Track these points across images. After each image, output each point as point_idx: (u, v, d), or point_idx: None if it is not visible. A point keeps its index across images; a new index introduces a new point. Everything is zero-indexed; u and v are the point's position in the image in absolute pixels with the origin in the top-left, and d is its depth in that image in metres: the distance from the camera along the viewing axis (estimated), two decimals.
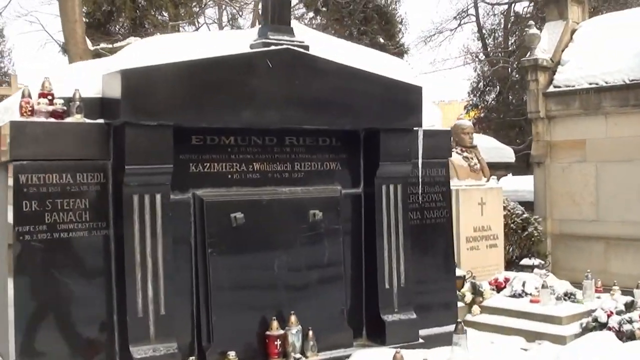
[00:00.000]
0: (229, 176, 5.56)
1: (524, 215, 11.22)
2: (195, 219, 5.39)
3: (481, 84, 29.80)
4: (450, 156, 6.85)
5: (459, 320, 5.56)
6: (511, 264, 10.73)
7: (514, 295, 8.84)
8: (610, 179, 11.25)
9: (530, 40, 12.02)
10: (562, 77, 11.77)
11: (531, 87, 11.99)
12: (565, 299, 8.54)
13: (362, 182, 6.10)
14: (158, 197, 5.03)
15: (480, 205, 9.65)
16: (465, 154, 9.78)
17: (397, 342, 5.91)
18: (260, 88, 5.32)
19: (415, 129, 6.09)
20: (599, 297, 8.64)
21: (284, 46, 5.52)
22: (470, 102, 31.14)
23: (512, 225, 11.01)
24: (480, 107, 30.04)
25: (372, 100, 5.78)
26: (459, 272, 9.03)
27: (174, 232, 5.19)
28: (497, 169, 13.63)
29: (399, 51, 28.28)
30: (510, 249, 11.01)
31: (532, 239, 11.21)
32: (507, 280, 9.12)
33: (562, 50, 12.15)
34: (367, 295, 6.07)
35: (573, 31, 12.37)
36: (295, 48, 5.56)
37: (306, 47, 5.67)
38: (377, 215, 5.96)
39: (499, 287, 9.13)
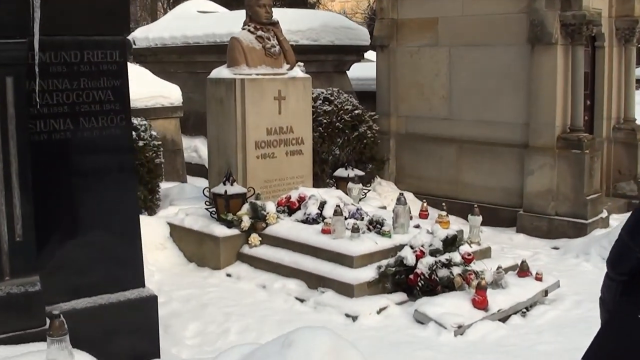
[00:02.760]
0: None
1: (356, 112, 8.90)
2: None
3: None
4: (128, 31, 4.38)
5: (56, 313, 3.23)
6: None
7: (307, 221, 6.64)
8: (465, 67, 8.97)
9: None
10: None
11: None
12: (369, 229, 6.36)
13: None
14: None
15: (277, 101, 7.25)
16: (260, 32, 7.25)
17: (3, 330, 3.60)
18: None
19: None
20: (418, 227, 6.47)
21: None
22: None
23: (338, 124, 8.70)
24: None
25: None
26: (237, 188, 6.75)
27: None
28: (348, 52, 11.20)
29: None
30: (335, 155, 8.73)
31: (365, 140, 8.94)
32: (302, 199, 6.87)
33: None
34: None
35: None
36: None
37: None
38: None
39: (291, 209, 6.89)
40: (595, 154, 8.23)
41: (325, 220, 6.36)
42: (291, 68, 7.41)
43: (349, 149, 8.80)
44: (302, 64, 7.61)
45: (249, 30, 7.27)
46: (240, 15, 11.67)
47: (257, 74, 7.15)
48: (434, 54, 9.19)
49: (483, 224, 8.63)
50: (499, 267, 5.93)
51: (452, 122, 9.13)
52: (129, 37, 12.61)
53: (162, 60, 11.82)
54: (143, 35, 12.05)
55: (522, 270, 6.12)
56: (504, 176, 8.68)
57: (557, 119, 8.15)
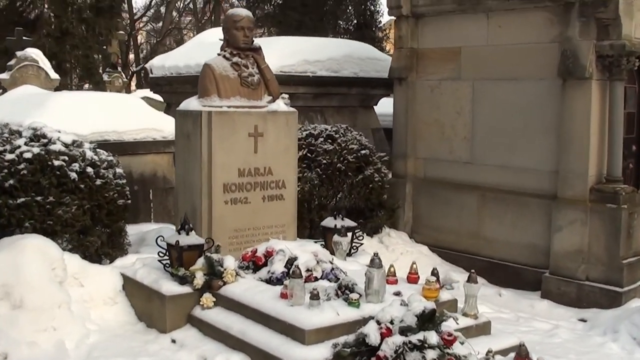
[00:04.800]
0: None
1: (362, 152, 7.86)
2: None
3: None
4: None
5: None
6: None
7: (270, 280, 5.63)
8: (490, 104, 7.85)
9: None
10: None
11: None
12: (338, 296, 5.28)
13: None
14: None
15: (252, 138, 6.27)
16: (236, 59, 6.31)
17: None
18: None
19: None
20: (398, 294, 5.35)
21: None
22: None
23: (340, 165, 7.68)
24: None
25: None
26: (193, 239, 5.81)
27: None
28: (375, 86, 10.18)
29: None
30: (338, 198, 7.70)
31: (371, 185, 7.88)
32: (269, 254, 5.86)
33: None
34: None
35: None
36: None
37: None
38: None
39: (257, 265, 5.89)
40: (635, 209, 6.95)
41: (285, 283, 5.32)
42: (273, 100, 6.45)
43: (354, 193, 7.76)
44: (286, 96, 6.68)
45: (224, 57, 6.36)
46: (267, 43, 10.91)
47: (229, 106, 6.21)
48: (456, 89, 8.10)
49: (505, 285, 7.56)
50: (489, 352, 4.76)
51: (475, 167, 8.00)
52: (146, 66, 11.95)
53: (177, 90, 11.06)
54: (160, 63, 11.35)
55: (520, 356, 4.90)
56: (530, 231, 7.49)
57: (590, 167, 6.94)
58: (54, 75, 12.27)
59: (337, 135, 7.83)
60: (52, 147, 6.28)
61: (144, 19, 37.24)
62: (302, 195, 7.44)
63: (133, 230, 7.74)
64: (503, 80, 7.63)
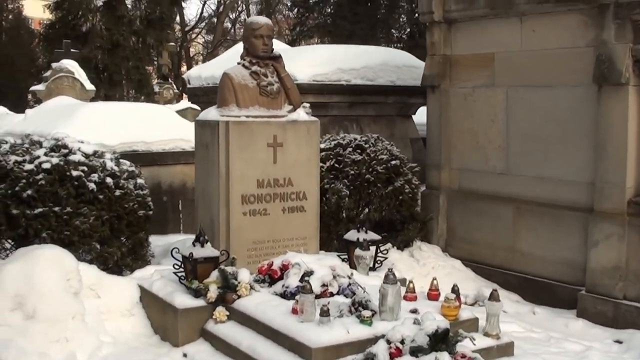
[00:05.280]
0: None
1: (393, 162, 7.64)
2: None
3: None
4: None
5: None
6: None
7: (284, 295, 5.46)
8: (525, 111, 7.54)
9: None
10: None
11: None
12: (351, 312, 5.07)
13: None
14: None
15: (271, 148, 6.13)
16: (255, 67, 6.17)
17: None
18: None
19: None
20: (415, 312, 5.12)
21: None
22: None
23: (368, 176, 7.47)
24: None
25: None
26: (207, 251, 5.69)
27: None
28: (412, 94, 9.93)
29: None
30: (367, 211, 7.50)
31: (401, 197, 7.65)
32: (285, 267, 5.69)
33: None
34: None
35: None
36: None
37: None
38: None
39: (273, 278, 5.73)
40: None
41: (296, 298, 5.14)
42: (294, 109, 6.30)
43: (384, 205, 7.54)
44: (307, 104, 6.51)
45: (243, 65, 6.24)
46: (299, 52, 10.78)
47: (248, 116, 6.08)
48: (489, 96, 7.81)
49: (540, 302, 7.27)
50: None
51: (510, 177, 7.69)
52: (184, 76, 11.95)
53: (213, 100, 10.95)
54: (197, 74, 11.34)
55: None
56: (566, 246, 7.14)
57: (628, 178, 6.57)
58: (89, 86, 12.38)
59: (366, 145, 7.63)
60: (72, 157, 6.25)
61: (196, 30, 37.60)
62: (329, 208, 7.27)
63: (161, 242, 7.70)
64: (538, 87, 7.33)
